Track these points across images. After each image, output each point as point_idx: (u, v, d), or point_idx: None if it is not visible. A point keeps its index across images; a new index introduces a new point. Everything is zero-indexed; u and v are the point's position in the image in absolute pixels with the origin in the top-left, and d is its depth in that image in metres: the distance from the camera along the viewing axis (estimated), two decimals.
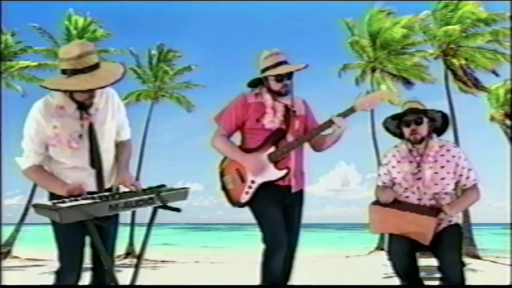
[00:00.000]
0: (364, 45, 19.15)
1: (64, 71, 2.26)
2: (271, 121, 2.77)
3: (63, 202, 2.03)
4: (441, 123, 3.00)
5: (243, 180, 2.76)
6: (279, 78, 2.77)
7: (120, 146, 2.55)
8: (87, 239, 2.34)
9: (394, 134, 3.09)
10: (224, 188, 2.85)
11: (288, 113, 2.81)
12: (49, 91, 2.30)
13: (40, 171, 2.37)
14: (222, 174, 2.86)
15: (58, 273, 2.31)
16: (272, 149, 2.74)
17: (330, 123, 2.74)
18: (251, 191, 2.74)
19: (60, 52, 2.29)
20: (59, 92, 2.30)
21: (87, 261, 2.41)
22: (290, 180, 2.77)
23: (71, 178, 2.34)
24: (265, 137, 2.76)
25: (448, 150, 2.91)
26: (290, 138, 2.77)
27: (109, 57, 18.14)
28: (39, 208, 2.06)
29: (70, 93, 2.31)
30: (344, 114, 2.76)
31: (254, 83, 2.89)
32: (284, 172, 2.72)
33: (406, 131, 2.91)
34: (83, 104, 2.34)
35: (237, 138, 2.91)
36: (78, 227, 2.12)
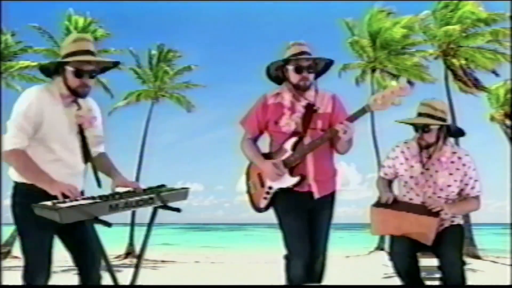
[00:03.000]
0: (364, 45, 19.13)
1: (62, 57, 2.30)
2: (287, 123, 2.69)
3: (63, 202, 2.03)
4: (455, 130, 2.96)
5: (262, 185, 2.76)
6: (298, 69, 2.67)
7: (102, 155, 2.53)
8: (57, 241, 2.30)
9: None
10: (248, 191, 2.86)
11: (310, 112, 2.69)
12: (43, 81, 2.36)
13: (28, 157, 2.16)
14: (247, 178, 2.87)
15: (26, 274, 2.24)
16: (287, 155, 2.66)
17: (334, 131, 2.57)
18: (268, 196, 2.73)
19: (62, 44, 2.39)
20: (57, 81, 2.33)
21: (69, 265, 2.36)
22: (310, 186, 2.68)
23: (53, 173, 2.21)
24: (282, 141, 2.70)
25: (459, 158, 2.86)
26: (308, 140, 2.66)
27: (109, 57, 18.12)
28: (39, 208, 2.05)
29: (65, 81, 2.30)
30: (354, 117, 2.58)
31: (278, 80, 2.79)
32: (296, 179, 2.65)
33: (415, 134, 2.88)
34: (76, 91, 2.31)
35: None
36: (47, 228, 2.14)
